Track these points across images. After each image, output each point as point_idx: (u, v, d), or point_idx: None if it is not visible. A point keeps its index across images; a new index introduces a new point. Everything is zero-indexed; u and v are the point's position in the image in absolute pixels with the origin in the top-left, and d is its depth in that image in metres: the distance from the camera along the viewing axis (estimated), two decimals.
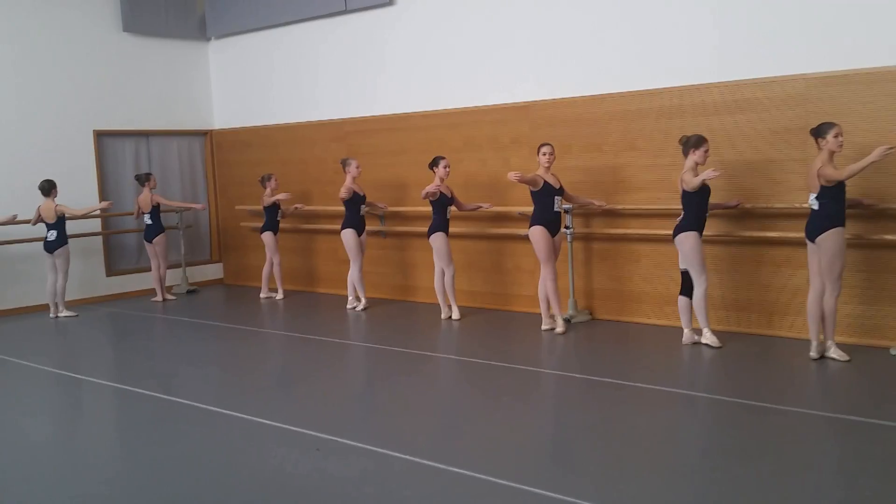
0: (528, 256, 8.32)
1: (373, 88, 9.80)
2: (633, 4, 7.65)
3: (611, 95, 7.82)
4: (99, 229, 10.55)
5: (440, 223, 8.22)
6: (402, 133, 9.47)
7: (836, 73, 6.58)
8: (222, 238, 11.82)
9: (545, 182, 7.37)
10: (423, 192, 8.04)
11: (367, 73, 9.85)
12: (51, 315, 9.28)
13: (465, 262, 8.75)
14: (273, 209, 9.89)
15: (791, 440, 4.71)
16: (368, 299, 9.11)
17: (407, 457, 4.53)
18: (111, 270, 10.71)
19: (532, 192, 7.42)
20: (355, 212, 8.87)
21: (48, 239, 9.07)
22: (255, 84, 11.17)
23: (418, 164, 9.28)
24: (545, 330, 7.47)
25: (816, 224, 6.02)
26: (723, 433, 4.95)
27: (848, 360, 6.07)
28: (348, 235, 8.87)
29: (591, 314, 8.07)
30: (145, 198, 10.07)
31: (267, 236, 9.92)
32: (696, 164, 6.59)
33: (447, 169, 8.16)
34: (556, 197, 7.41)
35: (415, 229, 9.26)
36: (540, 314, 7.66)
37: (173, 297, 10.43)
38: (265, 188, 9.90)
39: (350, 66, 10.02)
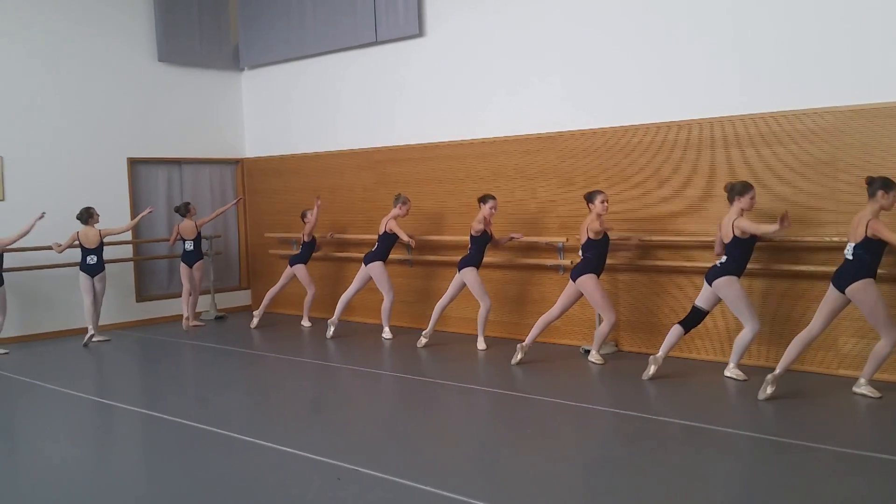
0: (555, 287, 8.31)
1: (402, 118, 9.90)
2: (661, 37, 7.67)
3: (639, 127, 7.82)
4: (130, 255, 10.71)
5: (475, 258, 8.24)
6: (430, 162, 9.54)
7: (865, 106, 6.52)
8: (251, 265, 11.93)
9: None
10: (475, 229, 8.11)
11: (396, 102, 9.96)
12: (87, 336, 9.38)
13: (493, 292, 8.73)
14: (311, 243, 9.97)
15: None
16: (397, 328, 9.12)
17: (428, 488, 4.51)
18: (141, 296, 10.85)
19: (592, 240, 7.32)
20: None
21: (89, 263, 9.20)
22: (287, 113, 11.33)
23: (447, 193, 9.35)
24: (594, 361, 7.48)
25: (847, 274, 5.93)
26: (763, 474, 4.87)
27: (879, 397, 6.00)
28: (377, 268, 8.95)
29: (616, 346, 8.02)
30: (188, 226, 10.22)
31: (299, 269, 9.96)
32: (743, 210, 6.52)
33: (493, 210, 8.19)
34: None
35: (445, 258, 9.28)
36: (572, 345, 7.65)
37: (202, 324, 10.53)
38: (304, 223, 9.96)
39: (380, 95, 10.13)
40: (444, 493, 4.42)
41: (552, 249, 8.45)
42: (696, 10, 7.44)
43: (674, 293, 7.69)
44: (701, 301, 6.71)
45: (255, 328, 10.04)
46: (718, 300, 6.63)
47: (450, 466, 5.01)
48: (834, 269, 6.10)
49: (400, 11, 9.65)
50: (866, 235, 5.83)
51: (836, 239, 6.58)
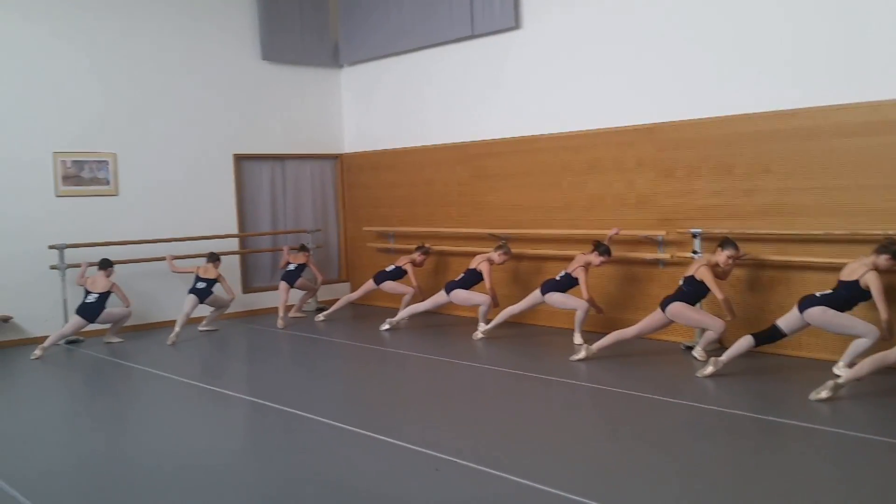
0: (655, 282, 8.17)
1: (497, 111, 9.88)
2: (770, 23, 7.40)
3: (741, 116, 7.58)
4: (236, 248, 11.07)
5: (557, 285, 8.25)
6: (526, 155, 9.49)
7: None
8: (350, 258, 12.16)
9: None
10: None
11: (492, 95, 9.95)
12: (200, 327, 9.86)
13: (592, 287, 8.61)
14: (403, 273, 10.00)
15: None
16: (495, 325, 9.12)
17: (523, 481, 4.50)
18: (247, 287, 11.21)
19: (696, 280, 7.12)
20: None
21: (199, 288, 9.49)
22: (383, 108, 11.48)
23: (543, 186, 9.30)
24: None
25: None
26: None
27: None
28: (462, 295, 9.01)
29: (721, 344, 7.80)
30: (302, 259, 10.56)
31: (388, 285, 10.00)
32: (878, 266, 6.28)
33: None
34: None
35: (543, 252, 9.24)
36: (668, 341, 7.49)
37: (303, 315, 10.81)
38: (415, 254, 10.00)
39: (475, 89, 10.14)
40: (542, 487, 4.41)
41: (652, 243, 8.29)
42: None
43: (779, 289, 7.42)
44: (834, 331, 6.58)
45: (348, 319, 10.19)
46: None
47: (548, 460, 4.98)
48: None
49: (496, 4, 9.63)
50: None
51: None
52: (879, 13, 6.72)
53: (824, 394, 5.82)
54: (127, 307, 9.24)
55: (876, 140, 6.75)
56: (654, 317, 7.29)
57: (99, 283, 8.97)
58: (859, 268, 6.31)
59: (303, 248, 10.70)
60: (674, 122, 8.10)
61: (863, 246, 6.69)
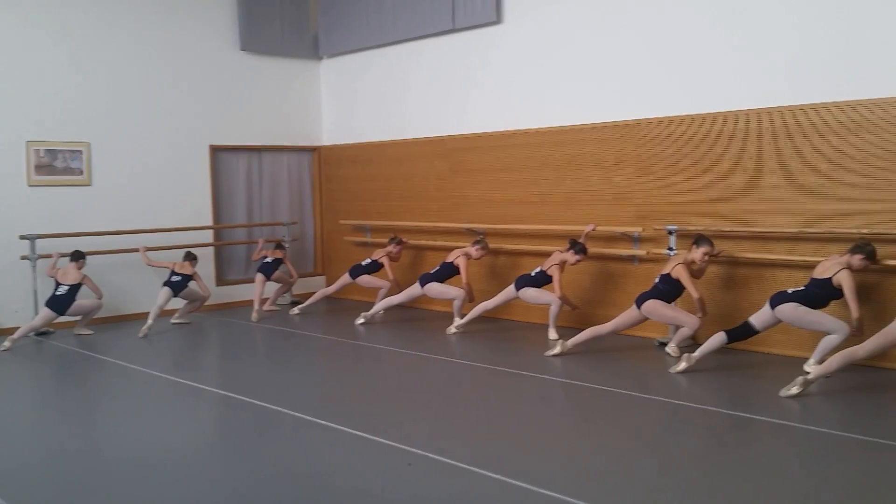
0: (630, 278, 8.19)
1: (478, 106, 9.85)
2: (751, 22, 7.42)
3: (720, 114, 7.60)
4: (211, 240, 10.97)
5: (531, 281, 8.25)
6: (505, 150, 9.48)
7: None
8: (326, 251, 12.10)
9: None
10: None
11: (472, 90, 9.92)
12: (172, 320, 9.74)
13: (567, 282, 8.63)
14: (379, 267, 9.94)
15: None
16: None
17: (496, 476, 4.49)
18: (221, 280, 11.12)
19: (671, 277, 7.15)
20: None
21: (173, 281, 9.35)
22: (362, 101, 11.42)
23: (521, 181, 9.29)
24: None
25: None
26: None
27: None
28: (436, 288, 8.98)
29: (694, 340, 7.83)
30: (279, 255, 10.48)
31: (364, 279, 9.94)
32: (851, 266, 6.35)
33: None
34: None
35: (520, 247, 9.24)
36: (642, 336, 7.51)
37: (277, 308, 10.73)
38: (389, 246, 9.93)
39: (455, 83, 10.11)
40: (516, 483, 4.40)
41: (628, 240, 8.30)
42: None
43: (753, 286, 7.46)
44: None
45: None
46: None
47: (521, 455, 4.97)
48: None
49: None
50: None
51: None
52: (855, 15, 6.76)
53: (794, 390, 5.86)
54: (98, 299, 9.12)
55: (853, 139, 6.80)
56: (630, 313, 7.31)
57: (70, 274, 8.85)
58: (833, 266, 6.35)
59: (279, 246, 10.62)
60: (653, 118, 8.12)
61: (837, 245, 6.75)
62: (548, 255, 8.38)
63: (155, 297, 9.30)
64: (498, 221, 9.46)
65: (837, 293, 6.32)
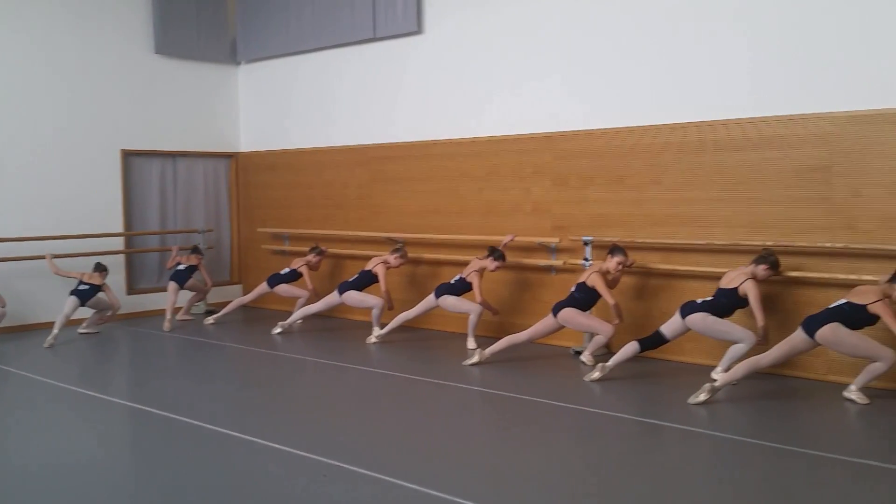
0: (547, 288, 8.31)
1: (398, 115, 9.86)
2: (664, 39, 7.65)
3: (636, 129, 7.81)
4: (122, 247, 10.65)
5: (451, 289, 8.30)
6: (425, 160, 9.51)
7: (863, 112, 6.52)
8: (242, 259, 11.89)
9: None
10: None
11: (392, 99, 9.92)
12: (80, 329, 9.39)
13: (486, 291, 8.70)
14: (298, 276, 9.82)
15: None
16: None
17: (412, 486, 4.48)
18: (133, 289, 10.80)
19: (587, 286, 7.31)
20: None
21: (81, 289, 9.02)
22: (282, 108, 11.29)
23: (441, 191, 9.34)
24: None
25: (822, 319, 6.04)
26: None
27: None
28: (354, 297, 8.96)
29: (608, 349, 7.99)
30: (194, 262, 10.26)
31: (282, 288, 9.80)
32: (756, 276, 6.59)
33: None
34: None
35: (439, 256, 9.27)
36: (558, 345, 7.63)
37: (191, 318, 10.48)
38: (309, 255, 9.83)
39: (377, 92, 10.09)
40: (431, 492, 4.40)
41: (545, 250, 8.43)
42: (700, 11, 7.42)
43: (662, 296, 7.67)
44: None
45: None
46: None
47: (437, 464, 4.98)
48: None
49: (399, 8, 9.62)
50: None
51: (829, 244, 6.63)
52: (771, 32, 7.05)
53: (702, 397, 6.04)
54: (1, 307, 8.74)
55: (759, 154, 7.07)
56: (546, 322, 7.42)
57: None
58: (738, 276, 6.59)
59: (195, 251, 10.39)
60: (569, 132, 8.27)
61: (742, 256, 7.00)
62: (467, 263, 8.43)
63: (62, 306, 8.96)
64: (418, 231, 9.48)
65: (743, 302, 6.56)
